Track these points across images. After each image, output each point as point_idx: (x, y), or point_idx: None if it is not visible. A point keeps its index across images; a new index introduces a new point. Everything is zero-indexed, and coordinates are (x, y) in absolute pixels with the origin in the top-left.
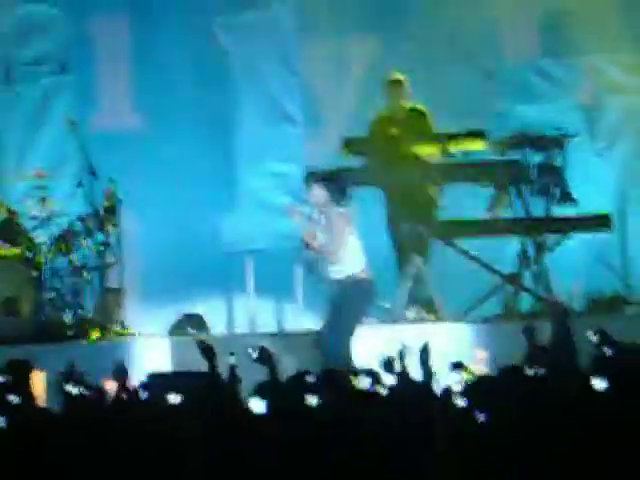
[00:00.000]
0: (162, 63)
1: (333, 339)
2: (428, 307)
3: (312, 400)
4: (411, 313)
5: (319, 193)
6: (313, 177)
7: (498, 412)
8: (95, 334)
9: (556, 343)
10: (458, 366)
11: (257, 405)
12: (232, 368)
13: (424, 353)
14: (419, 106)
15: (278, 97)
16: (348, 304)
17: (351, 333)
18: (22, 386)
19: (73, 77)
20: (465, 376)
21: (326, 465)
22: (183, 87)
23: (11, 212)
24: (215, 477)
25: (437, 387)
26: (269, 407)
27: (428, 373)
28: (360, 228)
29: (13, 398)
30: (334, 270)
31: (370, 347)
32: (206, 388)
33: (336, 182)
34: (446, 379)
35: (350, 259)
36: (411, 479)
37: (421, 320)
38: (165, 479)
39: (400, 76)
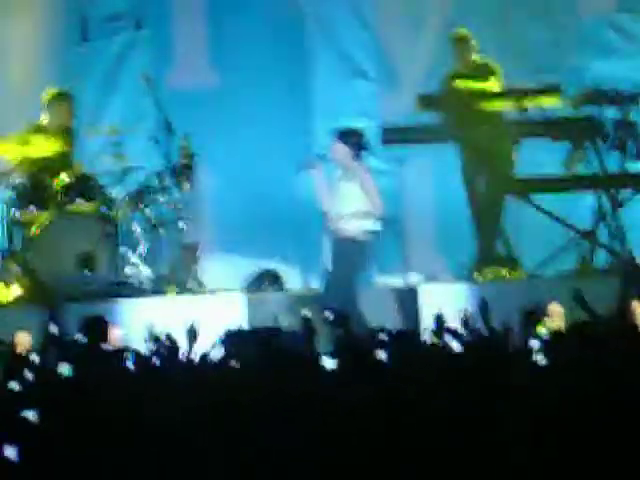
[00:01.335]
0: (238, 19)
1: (341, 296)
2: (504, 262)
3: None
4: (488, 270)
5: (342, 149)
6: (337, 134)
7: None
8: (172, 290)
9: (623, 300)
10: (533, 320)
11: (329, 362)
12: (306, 321)
13: (483, 310)
14: (490, 61)
15: (353, 53)
16: (350, 261)
17: (356, 289)
18: (98, 343)
19: (149, 33)
20: (542, 330)
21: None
22: (259, 43)
23: (86, 173)
24: (285, 434)
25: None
26: (342, 364)
27: (489, 329)
28: (438, 183)
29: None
30: (354, 224)
31: (441, 303)
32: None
33: (357, 138)
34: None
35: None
36: (489, 436)
37: (495, 277)
38: (234, 433)
39: (465, 32)
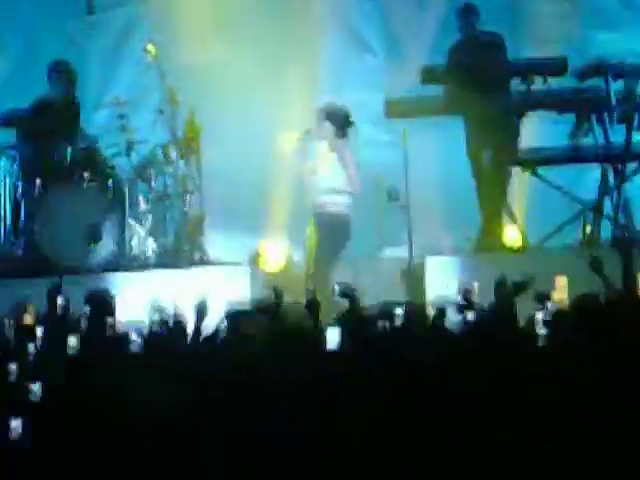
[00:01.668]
0: None
1: (318, 270)
2: (510, 234)
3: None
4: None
5: (326, 126)
6: (322, 112)
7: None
8: (178, 261)
9: (627, 272)
10: (543, 296)
11: (333, 334)
12: (310, 293)
13: (500, 287)
14: (492, 32)
15: (358, 26)
16: (331, 238)
17: (332, 266)
18: (102, 317)
19: (154, 5)
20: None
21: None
22: (265, 16)
23: (91, 140)
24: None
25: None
26: (345, 337)
27: (504, 303)
28: (442, 156)
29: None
30: (335, 200)
31: (447, 277)
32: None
33: (341, 116)
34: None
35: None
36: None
37: (500, 249)
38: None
39: (472, 3)
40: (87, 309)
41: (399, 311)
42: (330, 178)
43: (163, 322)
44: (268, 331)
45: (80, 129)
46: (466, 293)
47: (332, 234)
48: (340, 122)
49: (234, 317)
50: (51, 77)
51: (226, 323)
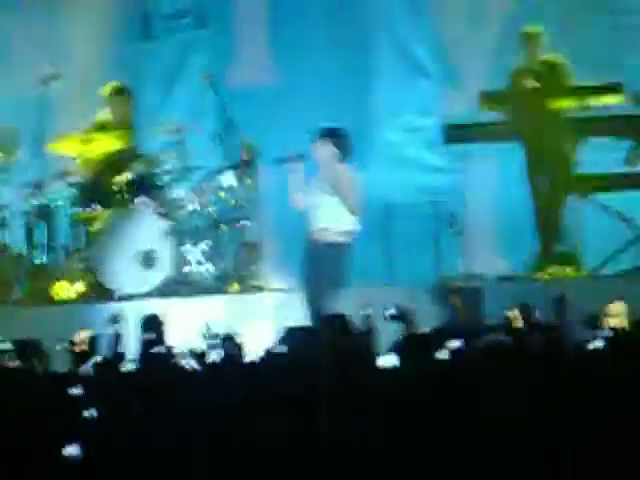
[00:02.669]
0: (298, 17)
1: (310, 300)
2: (566, 261)
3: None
4: (550, 268)
5: (327, 149)
6: (321, 133)
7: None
8: (234, 288)
9: None
10: (592, 321)
11: (388, 360)
12: (367, 318)
13: (560, 304)
14: (557, 59)
15: (415, 51)
16: (329, 266)
17: (328, 294)
18: (162, 341)
19: (211, 31)
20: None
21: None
22: (320, 42)
23: (150, 161)
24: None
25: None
26: (402, 362)
27: (564, 325)
28: (499, 181)
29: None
30: (326, 222)
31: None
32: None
33: (344, 139)
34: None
35: (347, 215)
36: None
37: (552, 274)
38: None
39: (536, 28)
40: (142, 334)
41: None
42: (325, 205)
43: (217, 346)
44: (332, 349)
45: (139, 153)
46: (523, 312)
47: (327, 265)
48: (345, 146)
49: (294, 335)
50: (108, 100)
51: (284, 342)
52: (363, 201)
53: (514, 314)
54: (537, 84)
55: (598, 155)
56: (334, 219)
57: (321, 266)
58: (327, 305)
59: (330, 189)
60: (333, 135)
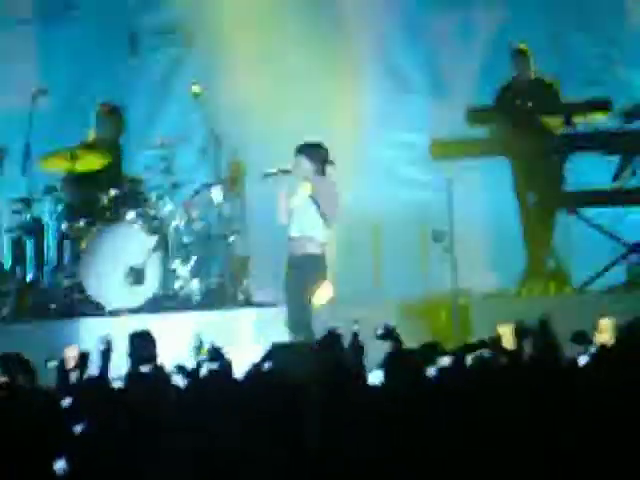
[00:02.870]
0: (285, 33)
1: (290, 313)
2: (554, 277)
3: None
4: (537, 284)
5: (305, 163)
6: (300, 149)
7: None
8: (222, 303)
9: None
10: (580, 337)
11: (377, 377)
12: (355, 336)
13: (545, 326)
14: (545, 77)
15: (402, 66)
16: (310, 281)
17: (308, 307)
18: (150, 358)
19: (198, 47)
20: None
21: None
22: (306, 58)
23: (135, 181)
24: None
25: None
26: (388, 379)
27: (550, 345)
28: (487, 197)
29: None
30: (305, 227)
31: (492, 317)
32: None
33: (320, 154)
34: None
35: (323, 227)
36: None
37: (544, 291)
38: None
39: (524, 46)
40: (130, 350)
41: (445, 360)
42: (304, 218)
43: (205, 361)
44: (315, 364)
45: (122, 173)
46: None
47: (309, 275)
48: (319, 160)
49: (280, 351)
50: (99, 119)
51: (269, 358)
52: (339, 213)
53: (503, 331)
54: (525, 101)
55: (586, 171)
56: (308, 228)
57: (297, 277)
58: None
59: (305, 202)
60: (308, 150)
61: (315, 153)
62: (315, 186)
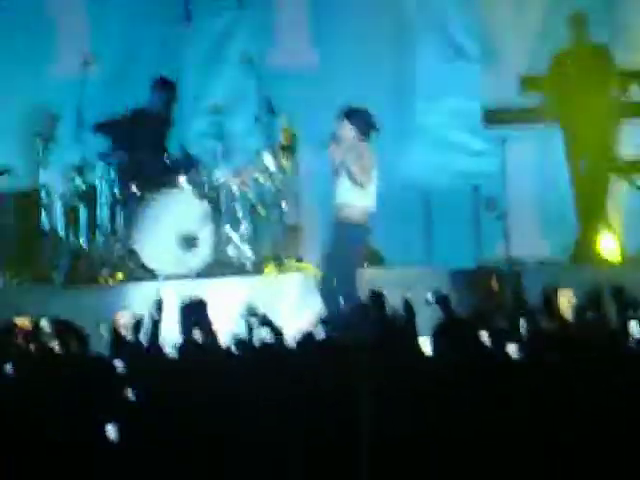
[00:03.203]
0: (340, 0)
1: (323, 281)
2: (607, 244)
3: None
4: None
5: (349, 128)
6: (344, 113)
7: None
8: (272, 270)
9: None
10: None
11: (426, 344)
12: (407, 303)
13: (597, 296)
14: (601, 44)
15: (455, 33)
16: (342, 249)
17: (348, 276)
18: (204, 324)
19: (251, 12)
20: None
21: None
22: (360, 24)
23: (188, 152)
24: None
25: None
26: (443, 346)
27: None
28: (540, 164)
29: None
30: (343, 194)
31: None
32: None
33: (365, 119)
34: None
35: (364, 194)
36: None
37: (597, 259)
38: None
39: (581, 13)
40: (182, 317)
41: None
42: (346, 185)
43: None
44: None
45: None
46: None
47: (344, 244)
48: (362, 125)
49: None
50: (153, 92)
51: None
52: (376, 181)
53: (557, 298)
54: (578, 69)
55: (639, 138)
56: (352, 197)
57: (337, 245)
58: (348, 286)
59: (351, 168)
60: (351, 115)
61: (358, 118)
62: (358, 151)
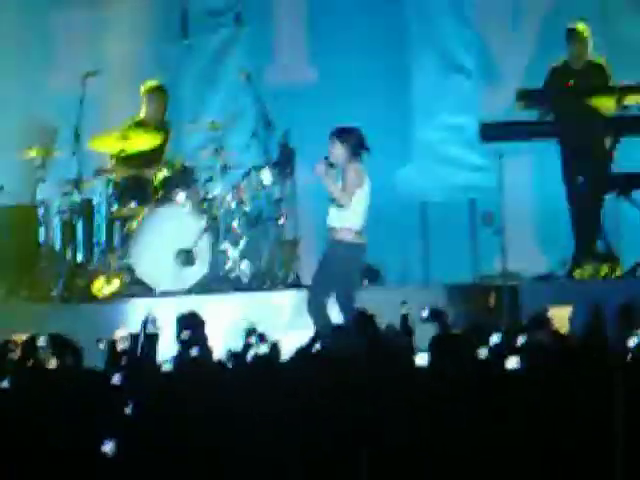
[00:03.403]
0: (337, 16)
1: (311, 299)
2: (604, 259)
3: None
4: (587, 267)
5: (339, 148)
6: (331, 134)
7: None
8: (270, 285)
9: None
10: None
11: (422, 359)
12: (404, 318)
13: (597, 309)
14: (598, 59)
15: (453, 48)
16: (331, 268)
17: (327, 296)
18: (199, 340)
19: (249, 29)
20: None
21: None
22: (357, 39)
23: (185, 163)
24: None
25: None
26: (435, 361)
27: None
28: (537, 180)
29: (194, 351)
30: (332, 217)
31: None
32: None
33: (354, 138)
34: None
35: (350, 214)
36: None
37: (594, 274)
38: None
39: (583, 27)
40: (178, 332)
41: (495, 339)
42: (332, 206)
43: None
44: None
45: (171, 153)
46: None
47: (338, 262)
48: (353, 145)
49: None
50: (149, 99)
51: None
52: (364, 203)
53: (554, 314)
54: (574, 83)
55: (636, 154)
56: (343, 219)
57: (327, 265)
58: (343, 305)
59: (329, 189)
60: (341, 135)
61: (349, 138)
62: (346, 171)
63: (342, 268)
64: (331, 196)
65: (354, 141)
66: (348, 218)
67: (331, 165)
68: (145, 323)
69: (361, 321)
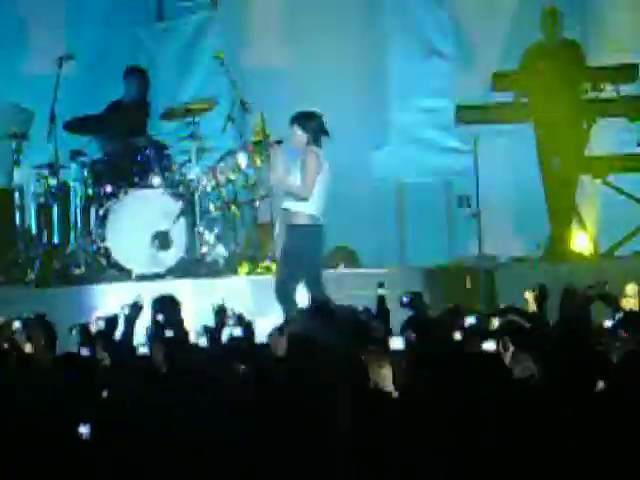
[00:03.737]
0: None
1: (278, 286)
2: (578, 241)
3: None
4: (561, 249)
5: (299, 133)
6: (293, 118)
7: None
8: (244, 269)
9: None
10: (607, 298)
11: (398, 343)
12: (381, 299)
13: (570, 293)
14: (574, 39)
15: (428, 31)
16: (296, 253)
17: (296, 281)
18: (175, 322)
19: (224, 12)
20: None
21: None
22: (332, 24)
23: (162, 146)
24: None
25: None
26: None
27: (572, 313)
28: (512, 162)
29: (168, 333)
30: (291, 204)
31: (517, 283)
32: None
33: (314, 122)
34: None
35: (310, 199)
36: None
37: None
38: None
39: (554, 8)
40: (154, 315)
41: (470, 320)
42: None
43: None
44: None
45: (148, 135)
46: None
47: (298, 246)
48: (313, 130)
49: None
50: (126, 81)
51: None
52: (322, 187)
53: (527, 296)
54: (548, 64)
55: (611, 136)
56: (294, 202)
57: (288, 250)
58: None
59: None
60: (300, 119)
61: (308, 122)
62: (306, 156)
63: (303, 252)
64: (288, 191)
65: (314, 126)
66: (307, 205)
67: (278, 142)
68: (132, 307)
69: (316, 312)
